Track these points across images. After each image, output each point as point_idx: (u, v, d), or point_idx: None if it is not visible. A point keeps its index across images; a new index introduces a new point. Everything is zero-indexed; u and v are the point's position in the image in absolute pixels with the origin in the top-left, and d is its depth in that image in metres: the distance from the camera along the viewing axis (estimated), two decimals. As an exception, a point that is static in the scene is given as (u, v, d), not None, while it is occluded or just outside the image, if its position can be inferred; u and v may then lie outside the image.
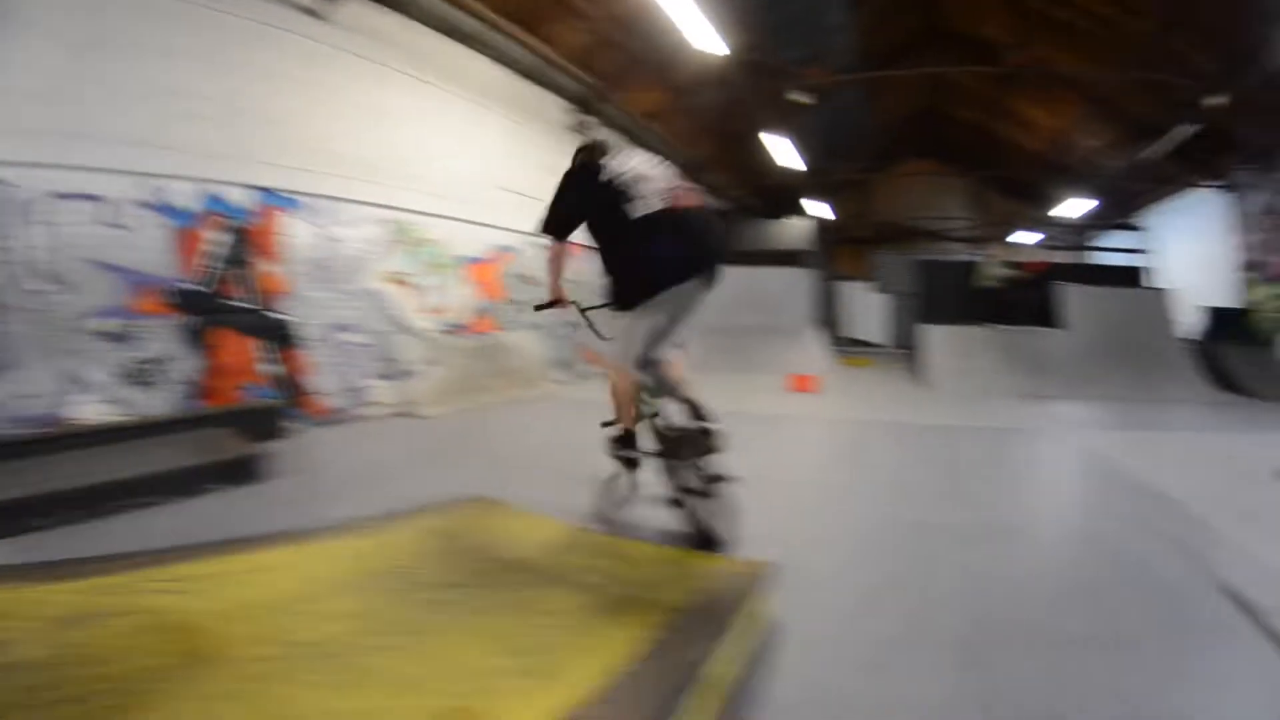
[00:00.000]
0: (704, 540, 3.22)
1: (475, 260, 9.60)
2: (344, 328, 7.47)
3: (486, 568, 2.77)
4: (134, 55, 5.84)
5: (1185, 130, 12.38)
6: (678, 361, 3.62)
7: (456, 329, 9.10)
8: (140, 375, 5.78)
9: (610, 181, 3.24)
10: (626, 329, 3.31)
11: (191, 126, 6.17)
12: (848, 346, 21.41)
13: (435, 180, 8.83)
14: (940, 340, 12.77)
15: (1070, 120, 16.99)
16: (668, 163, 3.52)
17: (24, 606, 2.10)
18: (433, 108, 8.91)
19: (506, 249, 10.28)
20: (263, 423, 6.06)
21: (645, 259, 3.16)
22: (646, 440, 3.58)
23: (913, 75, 17.88)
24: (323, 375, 7.20)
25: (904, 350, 17.57)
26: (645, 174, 3.27)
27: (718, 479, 3.28)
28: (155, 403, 5.86)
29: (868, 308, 24.74)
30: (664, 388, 3.50)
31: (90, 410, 5.43)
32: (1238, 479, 5.56)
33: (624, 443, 3.64)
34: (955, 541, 3.92)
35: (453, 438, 6.63)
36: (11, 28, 5.14)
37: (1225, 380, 11.77)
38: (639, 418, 3.55)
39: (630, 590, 2.56)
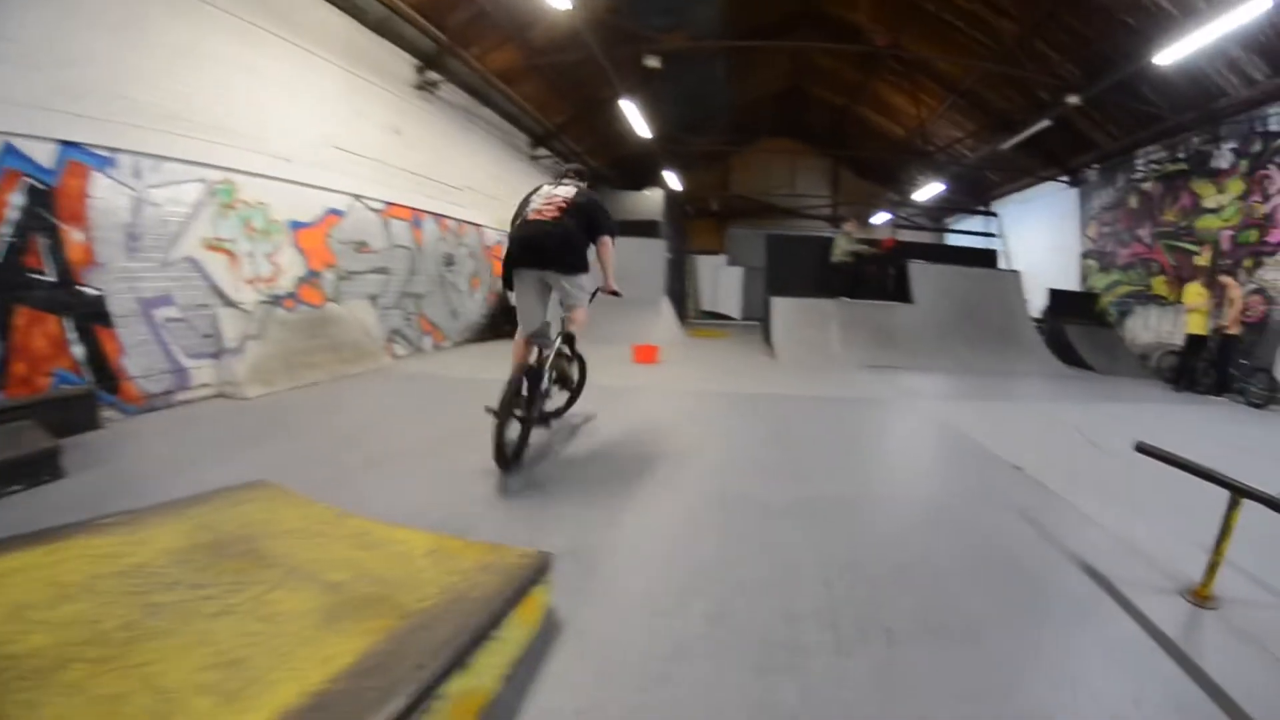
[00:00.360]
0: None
1: (305, 225, 9.51)
2: (162, 302, 7.23)
3: (237, 564, 2.65)
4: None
5: (1041, 124, 14.30)
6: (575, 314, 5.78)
7: (282, 300, 9.04)
8: None
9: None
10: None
11: None
12: (702, 319, 22.58)
13: (264, 137, 8.67)
14: (788, 312, 13.91)
15: (932, 110, 18.96)
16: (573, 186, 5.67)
17: None
18: (262, 55, 8.67)
19: (337, 212, 10.25)
20: (72, 412, 5.87)
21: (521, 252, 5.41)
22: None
23: (775, 49, 19.21)
24: (139, 356, 6.94)
25: (756, 323, 18.88)
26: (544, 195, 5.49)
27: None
28: None
29: (721, 281, 26.19)
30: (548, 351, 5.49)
31: None
32: (1087, 449, 6.43)
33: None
34: (782, 519, 4.03)
35: (271, 420, 6.66)
36: None
37: (1070, 356, 13.88)
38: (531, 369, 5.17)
39: (380, 588, 2.45)
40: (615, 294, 5.98)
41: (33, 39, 6.03)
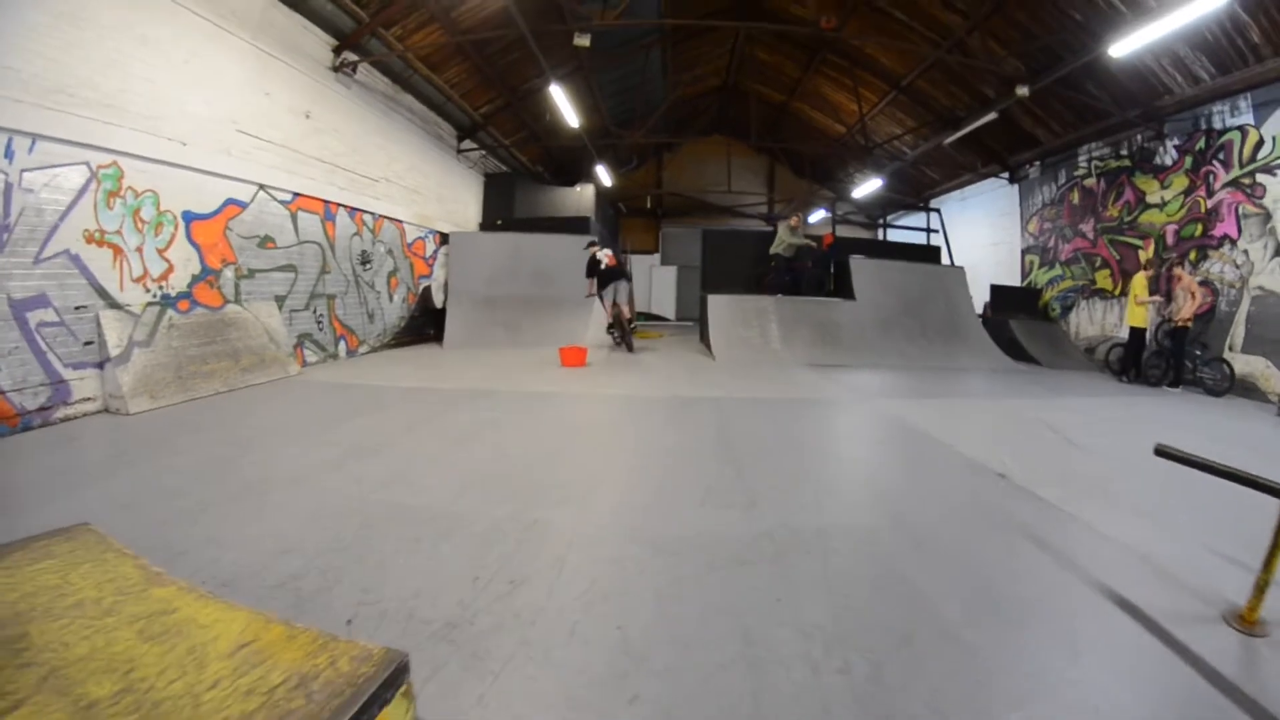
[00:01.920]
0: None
1: (199, 217, 8.74)
2: (35, 303, 6.49)
3: None
4: None
5: (987, 118, 14.29)
6: (625, 305, 14.27)
7: (175, 301, 8.30)
8: None
9: (599, 263, 14.11)
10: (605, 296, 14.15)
11: None
12: (636, 321, 22.46)
13: (158, 116, 7.94)
14: (725, 310, 13.85)
15: (873, 105, 19.15)
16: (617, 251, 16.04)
17: None
18: (161, 25, 7.93)
19: (238, 203, 9.50)
20: None
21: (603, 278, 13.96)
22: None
23: (713, 39, 18.99)
24: (10, 366, 6.23)
25: (692, 323, 18.84)
26: (607, 258, 14.23)
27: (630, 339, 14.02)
28: None
29: (655, 281, 26.09)
30: (618, 317, 14.12)
31: None
32: (1066, 449, 6.19)
33: (611, 327, 14.53)
34: (739, 567, 3.30)
35: (149, 440, 5.93)
36: None
37: (1015, 350, 14.14)
38: (613, 323, 14.21)
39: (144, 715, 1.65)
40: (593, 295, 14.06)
41: None
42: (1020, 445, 6.33)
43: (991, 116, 14.13)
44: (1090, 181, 15.84)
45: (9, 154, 6.25)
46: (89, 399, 6.96)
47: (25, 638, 2.04)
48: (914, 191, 23.96)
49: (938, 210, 21.45)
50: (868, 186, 21.20)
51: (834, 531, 3.85)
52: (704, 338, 14.35)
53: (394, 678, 1.81)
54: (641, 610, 2.86)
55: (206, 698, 1.75)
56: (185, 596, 2.34)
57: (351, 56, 11.83)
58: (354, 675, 1.81)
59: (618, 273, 13.99)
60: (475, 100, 16.55)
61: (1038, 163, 17.66)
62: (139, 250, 7.75)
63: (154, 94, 7.91)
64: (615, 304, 13.87)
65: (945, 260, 18.66)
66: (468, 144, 18.08)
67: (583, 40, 11.15)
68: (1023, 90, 12.36)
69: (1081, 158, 16.10)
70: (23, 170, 6.38)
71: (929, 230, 20.85)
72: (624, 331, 14.17)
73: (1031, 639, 2.78)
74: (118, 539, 2.75)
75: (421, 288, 15.86)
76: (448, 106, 16.08)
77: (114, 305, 7.36)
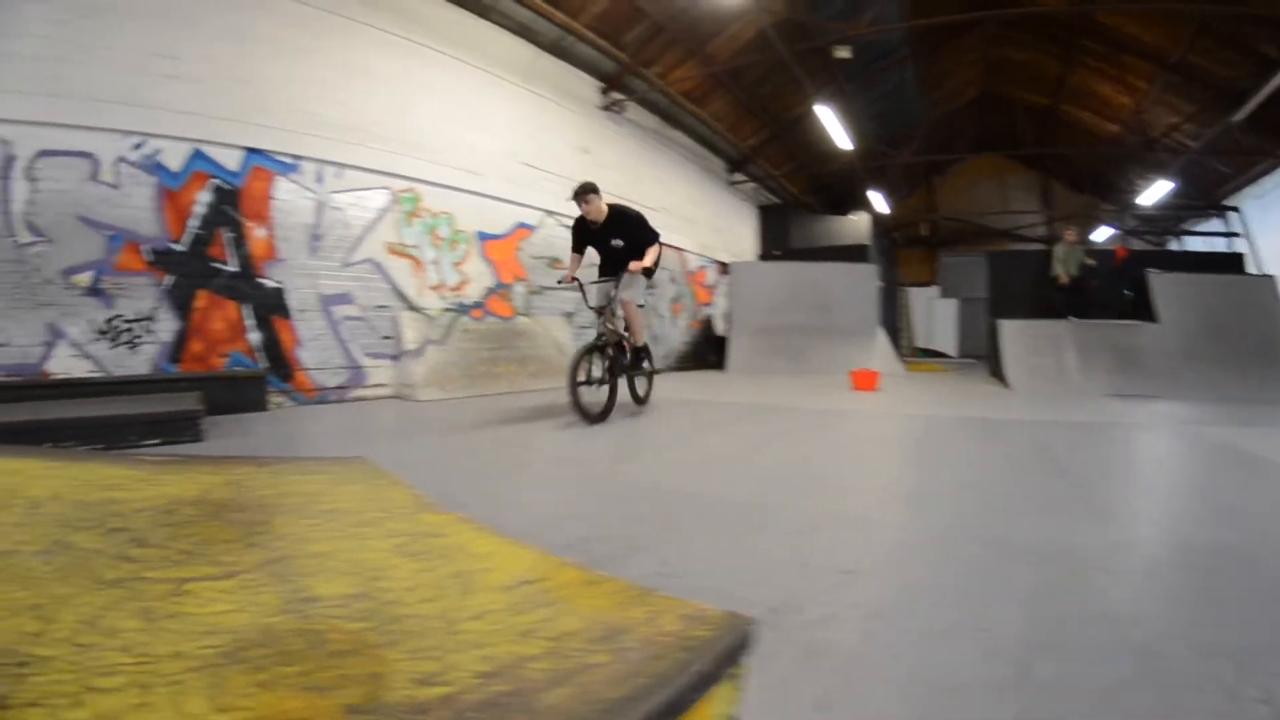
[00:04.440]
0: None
1: (492, 237, 9.20)
2: (341, 300, 7.15)
3: (212, 533, 1.69)
4: (126, 18, 5.74)
5: (1274, 83, 11.24)
6: (623, 317, 6.03)
7: (469, 309, 8.72)
8: (119, 333, 5.67)
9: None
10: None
11: (181, 87, 6.02)
12: (917, 356, 20.49)
13: (449, 152, 8.49)
14: (1018, 336, 11.61)
15: (1143, 94, 15.77)
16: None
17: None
18: (442, 76, 8.54)
19: (528, 226, 9.87)
20: (241, 392, 5.94)
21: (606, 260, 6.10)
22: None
23: (964, 33, 16.89)
24: (314, 349, 6.91)
25: (975, 360, 16.50)
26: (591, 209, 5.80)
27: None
28: (134, 362, 5.74)
29: (934, 314, 23.95)
30: (605, 342, 5.82)
31: (66, 364, 5.40)
32: None
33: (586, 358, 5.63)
34: (1081, 576, 2.29)
35: (433, 421, 5.85)
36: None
37: None
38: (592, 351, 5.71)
39: (391, 625, 1.21)
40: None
41: (219, 64, 6.32)
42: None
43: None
44: None
45: (320, 179, 7.02)
46: (382, 384, 7.47)
47: (264, 525, 1.85)
48: (1203, 194, 19.39)
49: (1235, 209, 17.68)
50: (1155, 191, 17.65)
51: (1200, 547, 2.69)
52: (995, 369, 12.02)
53: (731, 652, 1.15)
54: (1005, 613, 2.03)
55: (466, 627, 1.24)
56: (459, 525, 2.02)
57: (618, 96, 12.03)
58: (683, 637, 1.18)
59: (618, 251, 5.83)
60: (741, 133, 16.18)
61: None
62: (436, 263, 8.26)
63: (443, 132, 8.47)
64: (607, 311, 5.84)
65: (1251, 268, 15.05)
66: (738, 176, 17.79)
67: (843, 52, 10.53)
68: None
69: None
70: (332, 192, 7.14)
71: (1229, 235, 17.30)
72: (613, 369, 5.86)
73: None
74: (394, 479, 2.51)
75: (703, 315, 15.65)
76: (715, 140, 15.84)
77: (412, 308, 7.83)
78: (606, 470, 3.94)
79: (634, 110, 12.72)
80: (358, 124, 7.39)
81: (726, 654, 1.10)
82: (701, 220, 15.71)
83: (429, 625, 1.21)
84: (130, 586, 1.28)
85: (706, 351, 14.83)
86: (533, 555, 1.67)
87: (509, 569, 1.55)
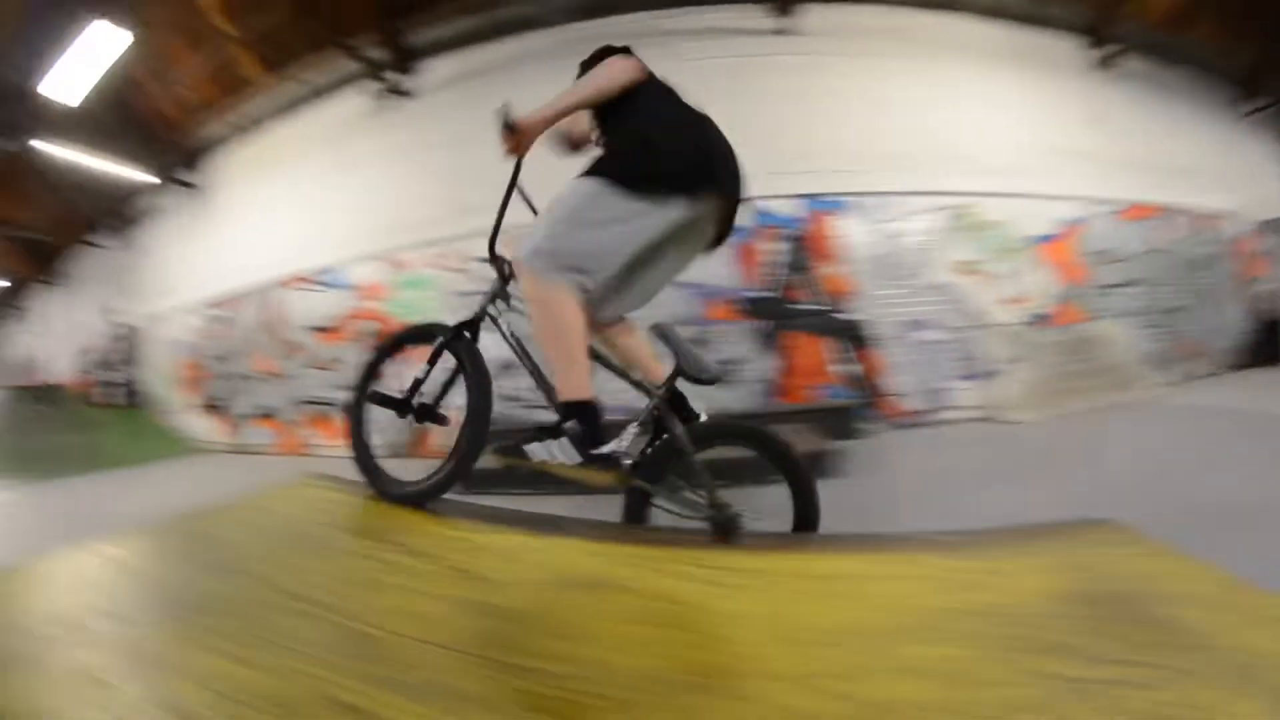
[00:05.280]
0: None
1: (1045, 239, 8.16)
2: (918, 325, 6.97)
3: (1132, 633, 1.33)
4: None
5: None
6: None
7: (1038, 320, 7.82)
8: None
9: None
10: None
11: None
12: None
13: (988, 156, 7.89)
14: None
15: None
16: None
17: (528, 554, 1.76)
18: (948, 83, 8.02)
19: (1076, 220, 8.51)
20: (837, 421, 5.89)
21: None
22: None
23: None
24: (898, 376, 6.82)
25: None
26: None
27: None
28: (733, 400, 6.24)
29: None
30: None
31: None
32: None
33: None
34: None
35: (1046, 449, 5.13)
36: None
37: None
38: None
39: None
40: None
41: (738, 127, 6.56)
42: None
43: None
44: None
45: (872, 211, 7.07)
46: (966, 407, 6.95)
47: (1154, 620, 1.39)
48: None
49: None
50: None
51: None
52: None
53: None
54: None
55: None
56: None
57: (1108, 48, 9.96)
58: None
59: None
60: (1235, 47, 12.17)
61: None
62: (998, 275, 7.65)
63: (982, 138, 7.93)
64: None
65: None
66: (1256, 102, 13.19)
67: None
68: None
69: None
70: (884, 221, 7.11)
71: None
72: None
73: None
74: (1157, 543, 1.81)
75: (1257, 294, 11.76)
76: (1209, 63, 11.92)
77: (985, 325, 7.35)
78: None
79: (1125, 62, 10.49)
80: (888, 152, 7.25)
81: None
82: (1206, 171, 11.73)
83: None
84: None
85: (1266, 342, 10.91)
86: None
87: None
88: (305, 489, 2.42)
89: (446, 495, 2.04)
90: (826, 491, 3.42)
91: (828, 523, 2.15)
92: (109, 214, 13.06)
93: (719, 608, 1.44)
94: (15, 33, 9.32)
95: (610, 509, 2.13)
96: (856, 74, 7.39)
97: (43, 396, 13.34)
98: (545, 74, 2.83)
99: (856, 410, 6.21)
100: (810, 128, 6.96)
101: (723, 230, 2.05)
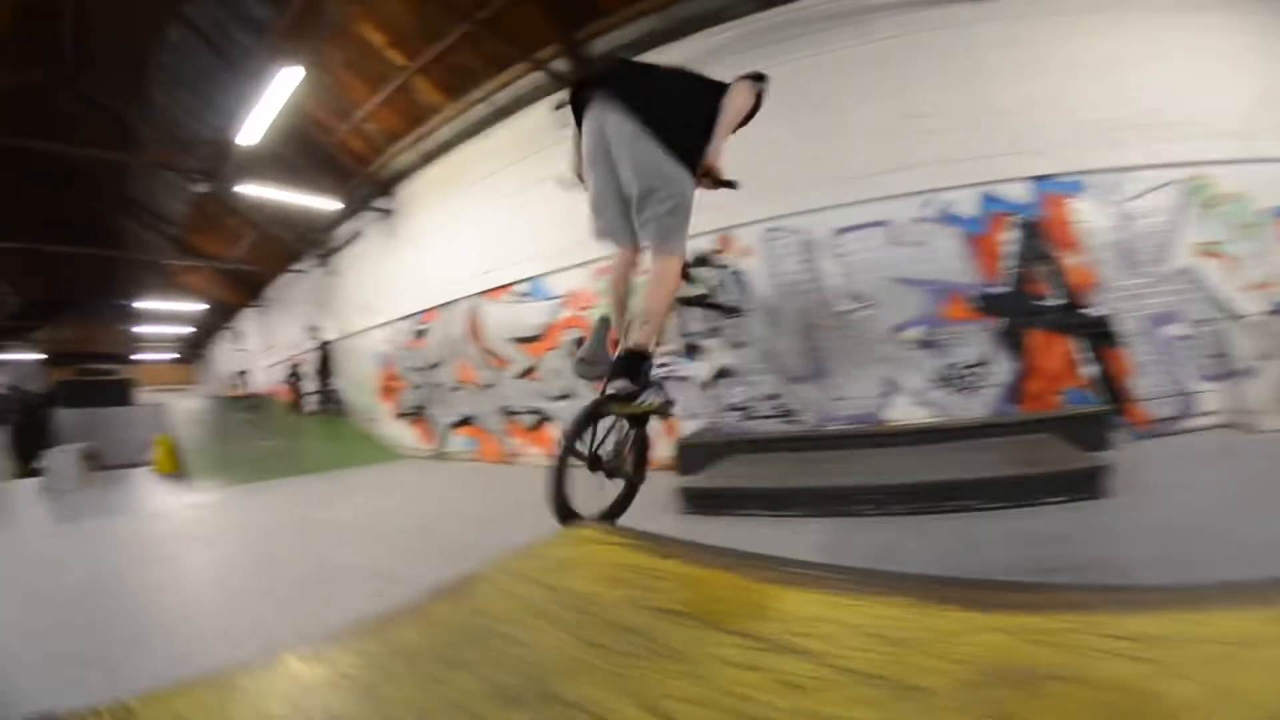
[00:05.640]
0: None
1: (1288, 210, 6.91)
2: (1163, 318, 5.99)
3: None
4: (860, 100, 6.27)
5: None
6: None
7: (1287, 309, 6.62)
8: (955, 379, 5.91)
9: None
10: None
11: (935, 139, 6.12)
12: None
13: (1211, 118, 6.49)
14: None
15: None
16: None
17: (934, 633, 1.26)
18: (1160, 36, 6.64)
19: None
20: (1086, 430, 5.18)
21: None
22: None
23: None
24: (1145, 377, 5.91)
25: None
26: None
27: None
28: (971, 406, 5.91)
29: None
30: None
31: (904, 412, 5.93)
32: None
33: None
34: None
35: None
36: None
37: None
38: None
39: None
40: None
41: (952, 109, 6.27)
42: None
43: None
44: None
45: (1110, 190, 6.14)
46: (1210, 412, 5.93)
47: None
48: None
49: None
50: None
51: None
52: None
53: None
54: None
55: None
56: None
57: None
58: None
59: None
60: None
61: None
62: (1244, 257, 6.45)
63: (1213, 96, 6.56)
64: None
65: None
66: None
67: None
68: None
69: None
70: (1124, 200, 6.15)
71: None
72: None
73: None
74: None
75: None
76: None
77: (1234, 316, 6.20)
78: None
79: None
80: (1112, 119, 6.24)
81: None
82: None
83: None
84: None
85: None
86: None
87: None
88: (585, 547, 2.04)
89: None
90: (1098, 515, 3.41)
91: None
92: (310, 243, 13.86)
93: (1167, 691, 1.02)
94: (204, 93, 10.07)
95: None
96: (1058, 38, 6.45)
97: (252, 406, 14.45)
98: (731, 70, 2.60)
99: (1106, 417, 5.44)
100: (1026, 103, 6.19)
101: None
